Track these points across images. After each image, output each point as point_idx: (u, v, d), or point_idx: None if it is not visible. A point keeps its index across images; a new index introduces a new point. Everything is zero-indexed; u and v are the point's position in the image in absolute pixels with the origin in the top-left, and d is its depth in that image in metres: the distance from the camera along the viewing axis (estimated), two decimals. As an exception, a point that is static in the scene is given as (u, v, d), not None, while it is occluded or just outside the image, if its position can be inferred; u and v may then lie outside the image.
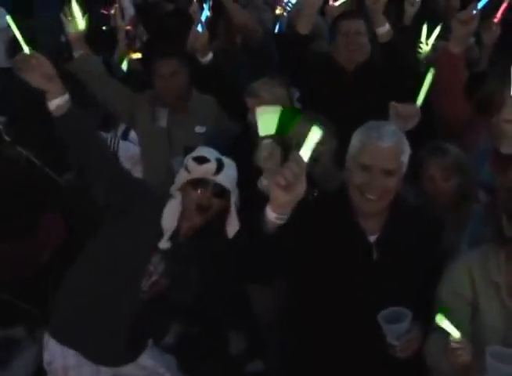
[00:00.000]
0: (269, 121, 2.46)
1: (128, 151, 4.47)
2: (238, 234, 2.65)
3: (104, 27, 7.41)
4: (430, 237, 2.56)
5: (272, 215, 1.98)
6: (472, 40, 4.78)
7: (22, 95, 8.19)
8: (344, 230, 2.48)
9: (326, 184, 3.09)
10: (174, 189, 2.82)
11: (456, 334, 2.15)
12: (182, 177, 2.80)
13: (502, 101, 3.26)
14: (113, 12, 6.77)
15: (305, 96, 3.76)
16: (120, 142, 4.50)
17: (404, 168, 2.46)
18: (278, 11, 5.31)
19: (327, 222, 2.46)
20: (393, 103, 3.09)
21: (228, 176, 2.78)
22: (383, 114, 3.49)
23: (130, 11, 7.10)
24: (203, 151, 2.84)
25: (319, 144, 1.85)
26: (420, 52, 3.98)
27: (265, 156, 2.59)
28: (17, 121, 6.72)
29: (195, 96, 3.96)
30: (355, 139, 2.46)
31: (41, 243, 4.89)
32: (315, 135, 1.83)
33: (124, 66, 4.92)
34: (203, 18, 3.87)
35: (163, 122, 3.84)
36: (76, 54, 3.81)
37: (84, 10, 3.78)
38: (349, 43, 3.90)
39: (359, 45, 3.92)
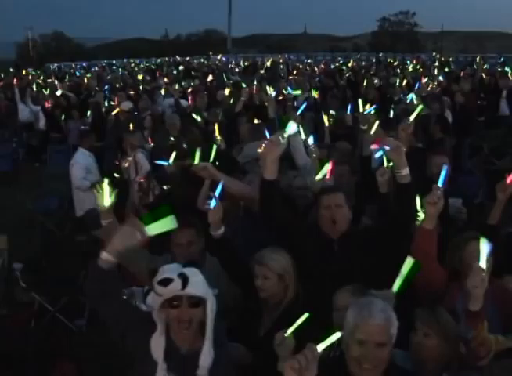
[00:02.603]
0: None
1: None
2: None
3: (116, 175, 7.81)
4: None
5: None
6: (459, 202, 5.13)
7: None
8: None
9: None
10: (155, 315, 2.99)
11: None
12: (156, 301, 2.97)
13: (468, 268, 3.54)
14: (126, 165, 7.22)
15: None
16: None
17: (394, 338, 2.78)
18: None
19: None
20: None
21: (197, 284, 2.95)
22: (369, 277, 3.73)
23: (145, 166, 7.56)
24: (165, 271, 2.98)
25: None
26: (417, 221, 4.28)
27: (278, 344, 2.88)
28: (33, 268, 7.04)
29: (208, 259, 4.22)
30: (350, 317, 2.80)
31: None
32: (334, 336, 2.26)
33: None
34: (217, 194, 4.08)
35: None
36: (103, 222, 4.14)
37: (113, 187, 4.16)
38: (332, 215, 4.17)
39: (341, 217, 4.20)
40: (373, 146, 4.30)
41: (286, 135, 3.95)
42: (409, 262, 3.35)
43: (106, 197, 4.07)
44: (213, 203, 3.93)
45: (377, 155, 4.57)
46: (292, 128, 3.94)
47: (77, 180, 8.16)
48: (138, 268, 4.25)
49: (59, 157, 12.93)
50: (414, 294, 3.74)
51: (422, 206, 4.26)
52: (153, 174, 7.21)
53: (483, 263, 3.05)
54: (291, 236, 4.27)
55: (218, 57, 39.68)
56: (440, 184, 3.68)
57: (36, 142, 14.81)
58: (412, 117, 4.92)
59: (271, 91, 9.37)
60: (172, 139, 8.08)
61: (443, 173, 3.72)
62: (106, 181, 4.11)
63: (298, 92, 10.47)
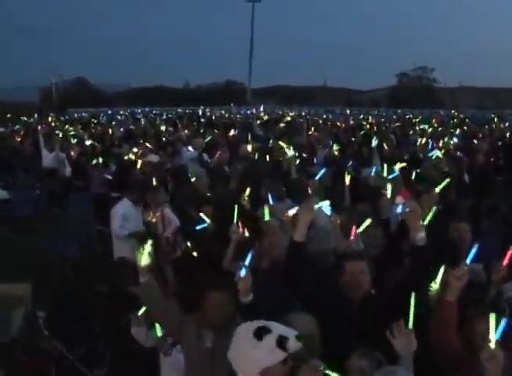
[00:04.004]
0: None
1: (178, 362, 4.70)
2: None
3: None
4: None
5: None
6: (480, 266, 5.26)
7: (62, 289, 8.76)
8: None
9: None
10: None
11: None
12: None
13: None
14: (154, 220, 7.39)
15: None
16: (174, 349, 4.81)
17: None
18: None
19: None
20: (388, 334, 3.64)
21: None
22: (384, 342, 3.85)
23: (175, 221, 7.66)
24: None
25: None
26: (430, 291, 4.41)
27: None
28: (56, 316, 7.17)
29: (237, 321, 4.27)
30: None
31: None
32: None
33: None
34: (247, 262, 4.19)
35: (208, 343, 4.20)
36: (141, 279, 4.35)
37: (153, 250, 4.38)
38: (354, 281, 4.38)
39: (364, 283, 4.41)
40: (399, 199, 4.51)
41: (318, 206, 4.19)
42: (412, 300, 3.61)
43: (146, 256, 4.28)
44: (243, 272, 4.09)
45: (398, 210, 4.77)
46: (325, 204, 4.15)
47: (114, 228, 8.15)
48: (169, 323, 4.47)
49: (82, 204, 13.14)
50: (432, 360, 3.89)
51: (434, 275, 4.41)
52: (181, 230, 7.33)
53: (493, 339, 3.14)
54: (313, 297, 4.43)
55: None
56: (468, 261, 3.85)
57: (58, 189, 15.00)
58: (437, 189, 5.08)
59: (291, 150, 9.57)
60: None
61: (473, 251, 3.88)
62: (150, 242, 4.34)
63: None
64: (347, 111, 45.97)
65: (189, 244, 6.38)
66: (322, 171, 7.52)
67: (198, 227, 6.30)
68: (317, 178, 7.03)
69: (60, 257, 9.77)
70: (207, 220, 6.30)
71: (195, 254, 6.13)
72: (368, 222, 5.36)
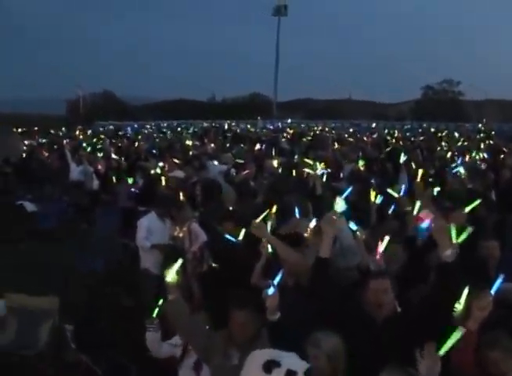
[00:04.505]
0: None
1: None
2: None
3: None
4: None
5: None
6: (510, 285, 5.21)
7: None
8: None
9: None
10: None
11: None
12: None
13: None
14: (181, 235, 7.44)
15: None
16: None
17: None
18: None
19: None
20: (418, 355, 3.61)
21: None
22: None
23: (202, 236, 7.65)
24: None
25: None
26: (454, 311, 4.39)
27: None
28: (83, 329, 7.22)
29: (263, 336, 4.29)
30: None
31: None
32: None
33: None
34: (275, 281, 4.23)
35: (234, 361, 4.25)
36: (170, 297, 4.43)
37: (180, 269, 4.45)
38: (378, 299, 4.39)
39: (387, 301, 4.41)
40: (416, 222, 4.49)
41: (338, 214, 4.19)
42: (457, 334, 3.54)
43: (173, 273, 4.35)
44: (271, 290, 4.11)
45: (425, 225, 4.74)
46: (340, 205, 4.15)
47: (139, 240, 8.31)
48: (196, 341, 4.52)
49: (108, 218, 13.27)
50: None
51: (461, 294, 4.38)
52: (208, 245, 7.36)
53: None
54: (337, 314, 4.42)
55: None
56: (493, 291, 3.83)
57: (85, 202, 15.12)
58: (467, 209, 5.06)
59: (318, 166, 9.56)
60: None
61: (498, 281, 3.87)
62: (180, 261, 4.42)
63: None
64: (373, 125, 45.86)
65: (215, 259, 6.43)
66: (349, 189, 7.48)
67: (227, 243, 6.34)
68: (343, 196, 6.99)
69: (86, 270, 9.83)
70: (234, 238, 6.33)
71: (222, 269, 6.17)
72: (387, 240, 5.34)
